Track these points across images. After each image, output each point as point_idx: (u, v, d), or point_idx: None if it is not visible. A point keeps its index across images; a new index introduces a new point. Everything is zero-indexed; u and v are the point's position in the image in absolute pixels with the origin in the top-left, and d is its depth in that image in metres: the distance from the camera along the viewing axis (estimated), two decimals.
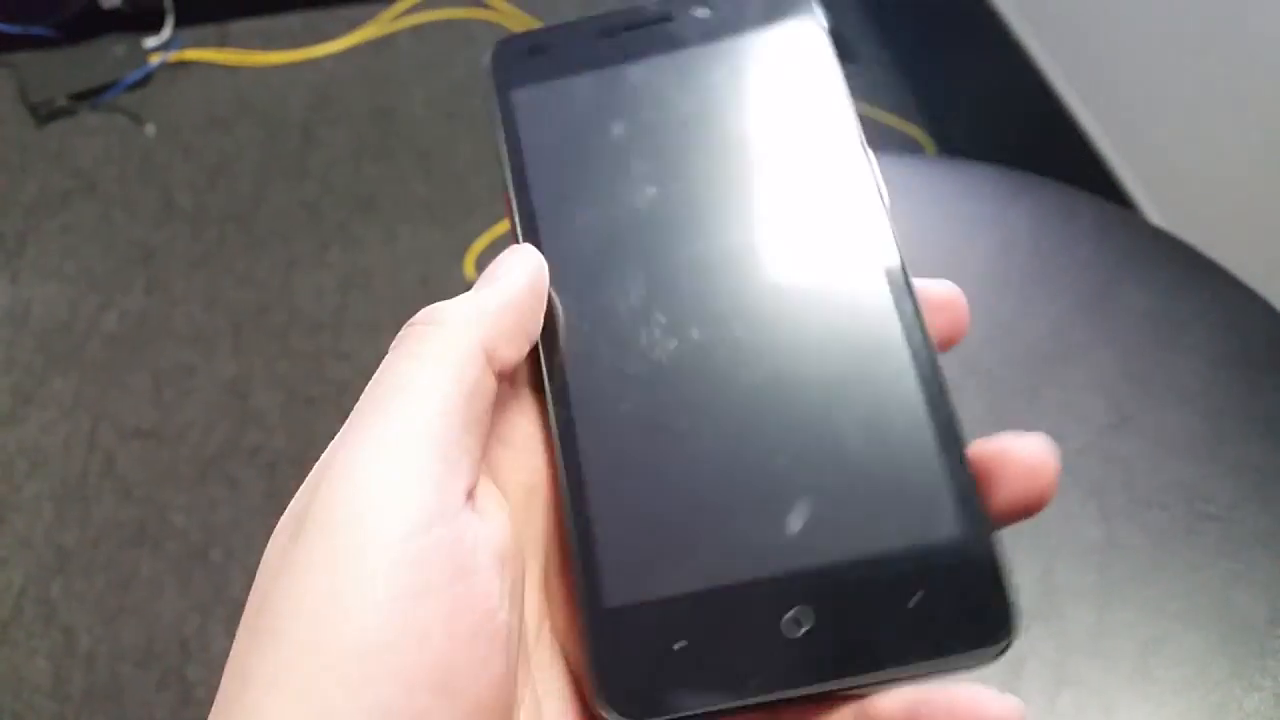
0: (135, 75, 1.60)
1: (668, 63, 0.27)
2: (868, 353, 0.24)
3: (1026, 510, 0.24)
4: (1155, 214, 1.13)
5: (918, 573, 0.22)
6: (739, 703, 0.21)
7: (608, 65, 0.28)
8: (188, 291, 1.36)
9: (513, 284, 0.25)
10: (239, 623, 0.24)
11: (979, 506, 0.23)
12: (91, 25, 1.62)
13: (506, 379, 0.26)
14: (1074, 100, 1.25)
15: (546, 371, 0.26)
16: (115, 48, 1.62)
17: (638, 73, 0.27)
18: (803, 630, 0.22)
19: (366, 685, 0.21)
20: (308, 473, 0.26)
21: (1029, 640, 0.36)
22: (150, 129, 1.56)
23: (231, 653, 0.24)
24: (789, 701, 0.22)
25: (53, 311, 1.33)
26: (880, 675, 0.22)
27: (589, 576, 0.23)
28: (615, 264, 0.26)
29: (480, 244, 1.41)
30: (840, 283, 0.25)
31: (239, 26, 1.70)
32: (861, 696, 0.22)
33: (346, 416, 0.27)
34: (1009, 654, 0.35)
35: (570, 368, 0.25)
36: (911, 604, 0.22)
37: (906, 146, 1.57)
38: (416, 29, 1.72)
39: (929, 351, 0.25)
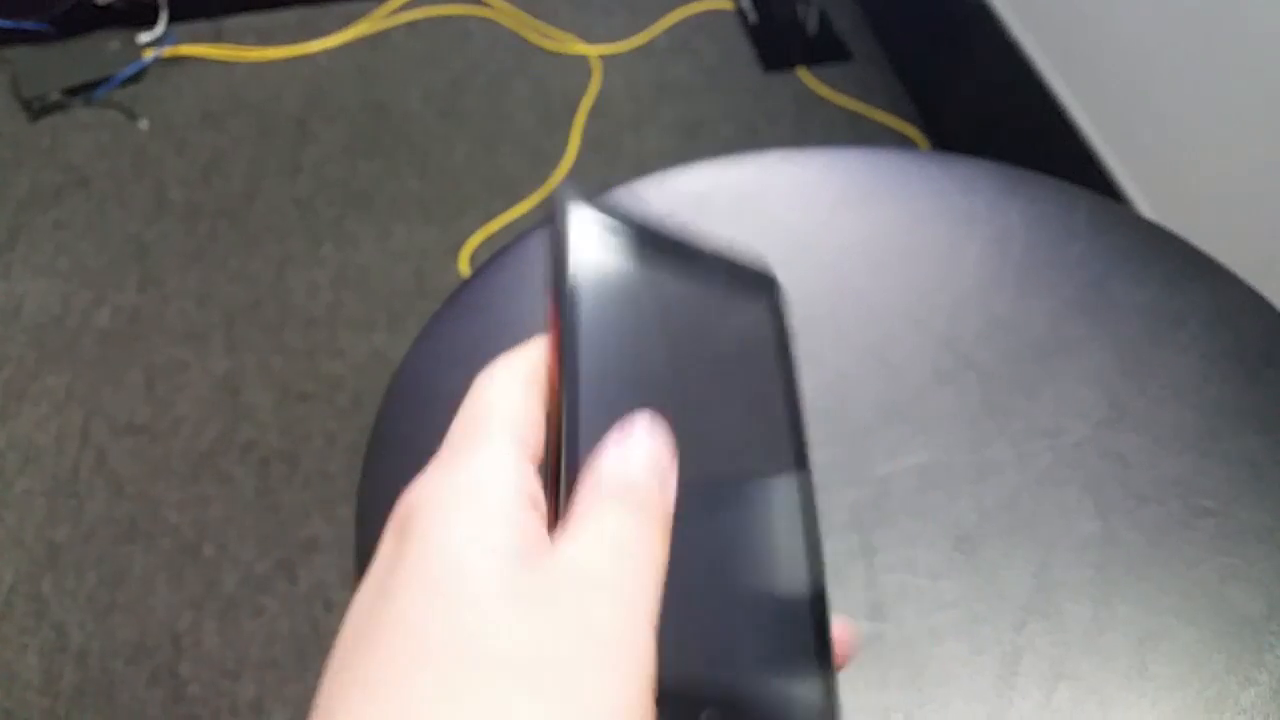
0: (129, 70, 1.59)
1: (678, 282, 0.32)
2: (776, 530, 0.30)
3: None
4: (1149, 210, 1.14)
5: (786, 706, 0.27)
6: None
7: (652, 268, 0.31)
8: (181, 287, 1.35)
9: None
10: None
11: (830, 679, 0.28)
12: (86, 20, 1.62)
13: None
14: (1068, 97, 1.25)
15: None
16: (109, 43, 1.62)
17: (655, 275, 0.31)
18: None
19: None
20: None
21: (1025, 635, 0.36)
22: (144, 124, 1.55)
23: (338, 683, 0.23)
24: None
25: (45, 307, 1.32)
26: None
27: None
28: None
29: (474, 240, 1.41)
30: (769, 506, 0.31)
31: (234, 22, 1.70)
32: None
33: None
34: (1006, 649, 0.35)
35: None
36: None
37: (901, 144, 1.57)
38: (412, 25, 1.72)
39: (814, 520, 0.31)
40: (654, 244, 0.32)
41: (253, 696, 1.02)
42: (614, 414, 0.28)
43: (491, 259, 0.49)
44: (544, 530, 0.25)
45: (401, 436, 0.43)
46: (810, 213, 0.49)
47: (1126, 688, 0.35)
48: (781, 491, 0.31)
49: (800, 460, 0.32)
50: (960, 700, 0.35)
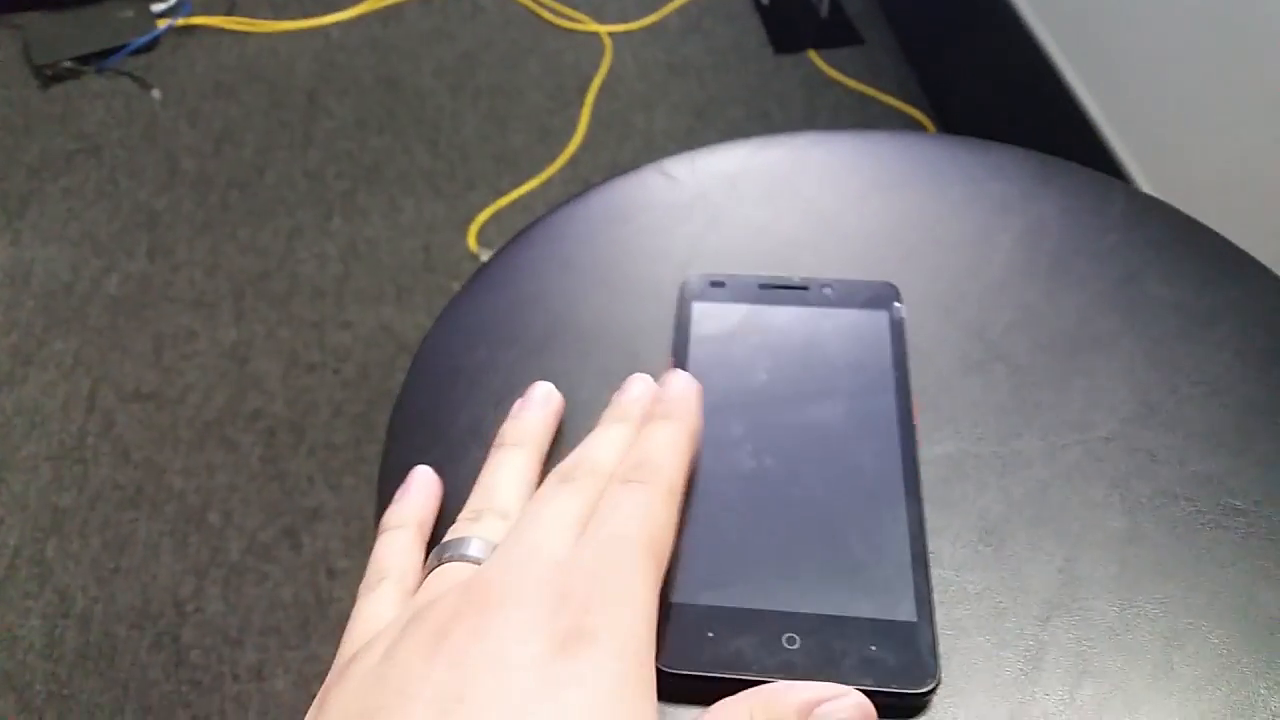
0: (142, 39, 1.58)
1: (793, 313, 0.43)
2: (876, 493, 0.37)
3: None
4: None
5: (877, 635, 0.34)
6: (738, 676, 0.32)
7: (755, 303, 0.43)
8: (190, 257, 1.35)
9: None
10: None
11: (930, 611, 0.34)
12: None
13: None
14: (1079, 85, 1.25)
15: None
16: (123, 11, 1.61)
17: (771, 313, 0.43)
18: (794, 646, 0.33)
19: None
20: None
21: (1049, 630, 0.36)
22: (156, 94, 1.54)
23: None
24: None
25: (54, 273, 1.32)
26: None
27: (670, 581, 0.34)
28: (728, 418, 0.40)
29: (483, 216, 1.40)
30: (870, 458, 0.39)
31: None
32: None
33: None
34: (1030, 644, 0.35)
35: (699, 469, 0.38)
36: (869, 651, 0.33)
37: (909, 128, 1.57)
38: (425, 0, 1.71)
39: (919, 503, 0.37)
40: (769, 290, 0.43)
41: (254, 663, 1.02)
42: (717, 432, 0.39)
43: (514, 238, 0.48)
44: None
45: (423, 412, 0.43)
46: (841, 196, 0.49)
47: (1152, 687, 0.34)
48: (886, 467, 0.38)
49: (908, 442, 0.39)
50: (983, 694, 0.34)
